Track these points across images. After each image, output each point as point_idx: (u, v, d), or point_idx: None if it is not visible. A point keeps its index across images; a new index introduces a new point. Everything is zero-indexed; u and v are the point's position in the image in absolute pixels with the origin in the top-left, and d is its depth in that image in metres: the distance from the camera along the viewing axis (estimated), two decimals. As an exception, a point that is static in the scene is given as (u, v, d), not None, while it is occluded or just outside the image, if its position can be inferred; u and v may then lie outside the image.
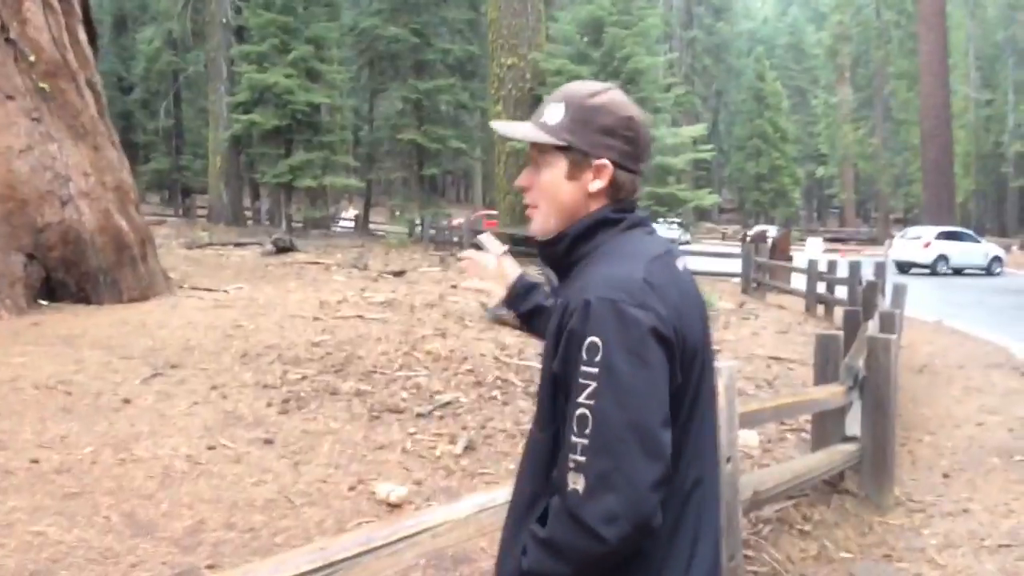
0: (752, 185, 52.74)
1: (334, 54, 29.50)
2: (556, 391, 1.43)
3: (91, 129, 8.92)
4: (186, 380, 6.36)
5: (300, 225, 29.17)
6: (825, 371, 4.87)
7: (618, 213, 1.51)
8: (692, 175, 40.04)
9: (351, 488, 4.57)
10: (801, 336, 10.51)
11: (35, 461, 4.53)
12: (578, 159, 1.49)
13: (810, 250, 29.48)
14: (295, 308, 8.95)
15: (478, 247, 2.05)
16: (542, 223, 1.54)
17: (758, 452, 5.83)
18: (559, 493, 1.35)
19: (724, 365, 3.12)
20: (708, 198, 22.04)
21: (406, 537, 2.20)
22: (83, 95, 8.97)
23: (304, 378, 6.47)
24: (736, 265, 16.98)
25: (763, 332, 10.81)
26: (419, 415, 5.79)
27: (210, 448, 5.00)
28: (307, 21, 27.52)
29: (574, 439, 1.33)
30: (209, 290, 10.27)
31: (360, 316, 8.59)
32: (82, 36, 9.26)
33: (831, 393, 4.65)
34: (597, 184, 1.49)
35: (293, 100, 25.98)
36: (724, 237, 45.73)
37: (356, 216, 36.76)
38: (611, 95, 1.52)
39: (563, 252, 1.52)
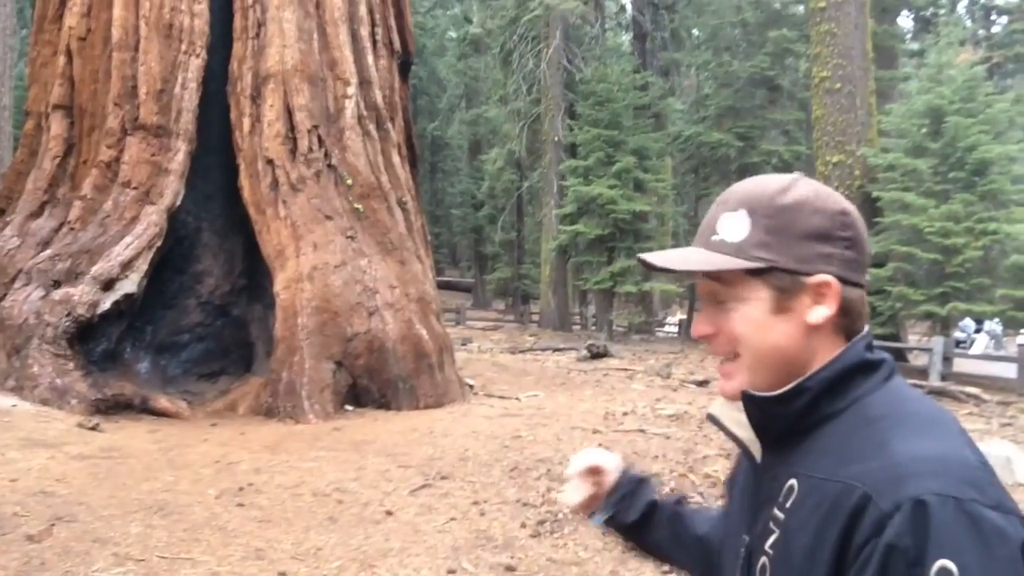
0: None
1: (665, 163, 29.83)
2: None
3: (398, 244, 9.62)
4: (450, 493, 6.34)
5: (623, 330, 29.40)
6: None
7: (874, 353, 1.09)
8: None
9: (580, 636, 4.14)
10: None
11: (282, 574, 4.64)
12: (786, 283, 1.06)
13: None
14: (579, 419, 8.74)
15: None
16: (747, 379, 1.10)
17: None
18: None
19: None
20: (1084, 302, 18.71)
21: None
22: (393, 213, 9.75)
23: (566, 498, 6.16)
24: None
25: None
26: (677, 552, 5.20)
27: (450, 572, 4.85)
28: (633, 133, 28.32)
29: None
30: (503, 397, 10.43)
31: (642, 430, 8.16)
32: (395, 159, 10.15)
33: None
34: (822, 312, 1.06)
35: (615, 209, 26.65)
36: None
37: (680, 321, 36.37)
38: (807, 186, 1.10)
39: (800, 412, 1.07)
